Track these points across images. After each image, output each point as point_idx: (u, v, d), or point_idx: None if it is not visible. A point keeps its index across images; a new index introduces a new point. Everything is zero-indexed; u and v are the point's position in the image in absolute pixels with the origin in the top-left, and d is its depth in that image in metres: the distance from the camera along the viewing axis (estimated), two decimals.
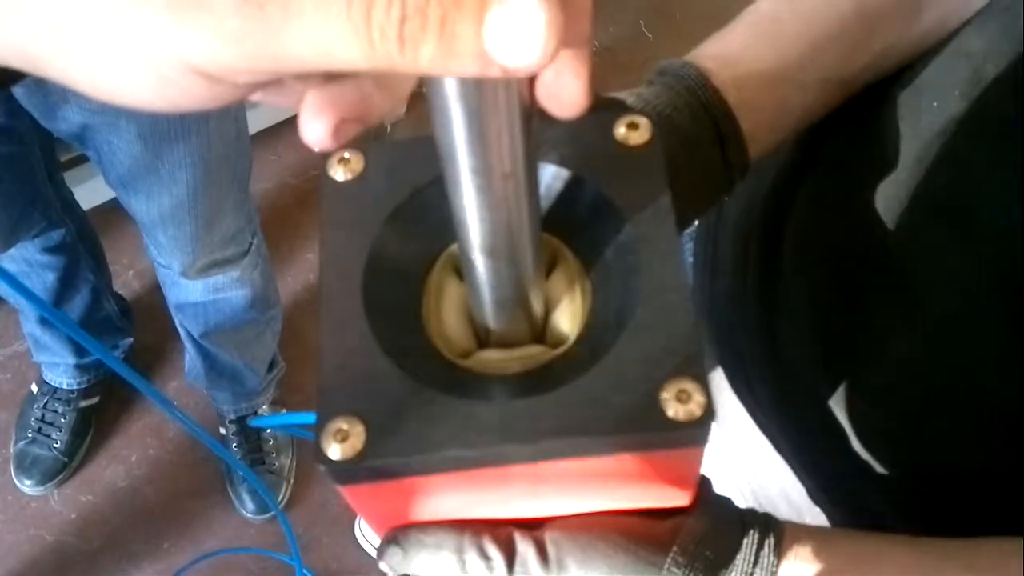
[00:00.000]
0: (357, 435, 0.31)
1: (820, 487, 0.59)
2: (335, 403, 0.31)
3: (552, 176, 0.36)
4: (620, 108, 0.44)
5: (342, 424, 0.31)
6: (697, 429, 0.30)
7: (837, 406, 0.52)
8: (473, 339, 0.36)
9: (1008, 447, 0.44)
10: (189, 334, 1.40)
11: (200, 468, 1.58)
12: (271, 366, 1.52)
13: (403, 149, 0.37)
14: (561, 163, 0.35)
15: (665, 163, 0.35)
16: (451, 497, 0.34)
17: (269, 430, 1.57)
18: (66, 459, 1.55)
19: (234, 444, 1.56)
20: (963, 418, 0.46)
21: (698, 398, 0.30)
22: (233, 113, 1.10)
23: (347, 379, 0.32)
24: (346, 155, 0.36)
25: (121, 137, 1.03)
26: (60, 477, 1.55)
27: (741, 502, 0.66)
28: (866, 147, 0.51)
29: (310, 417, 0.32)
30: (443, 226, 0.35)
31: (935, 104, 0.47)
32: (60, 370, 1.54)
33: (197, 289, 1.27)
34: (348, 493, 0.33)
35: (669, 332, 0.31)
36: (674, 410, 0.30)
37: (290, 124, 1.82)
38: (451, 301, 0.36)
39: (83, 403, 1.57)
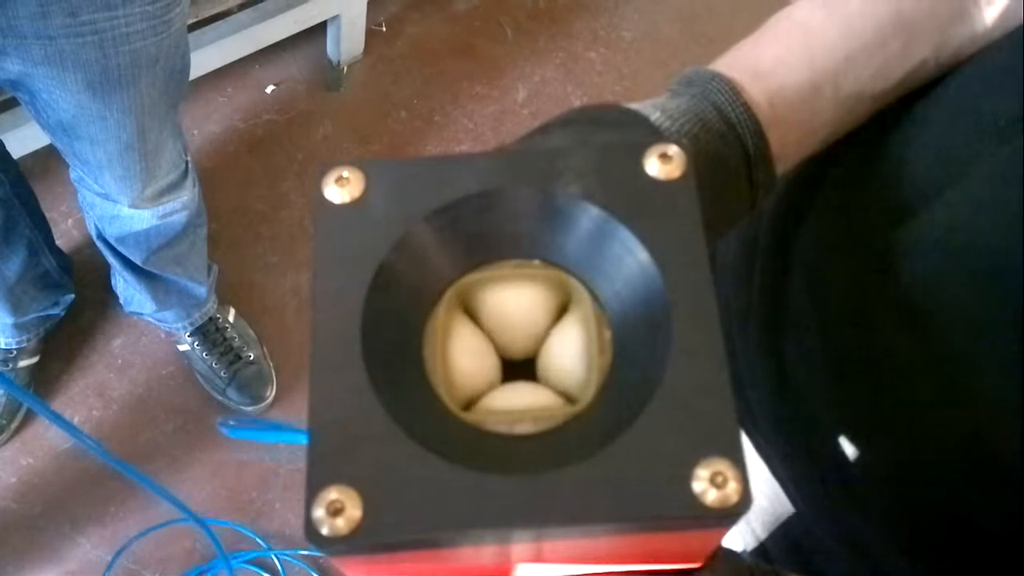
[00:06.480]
0: (353, 507, 0.27)
1: (820, 522, 0.57)
2: (329, 470, 0.28)
3: (577, 210, 0.32)
4: (649, 132, 0.40)
5: (335, 494, 0.28)
6: (732, 515, 0.27)
7: (844, 438, 0.49)
8: (483, 384, 0.33)
9: (1018, 499, 0.41)
10: (129, 264, 1.34)
11: (145, 431, 1.52)
12: (208, 270, 1.50)
13: (408, 169, 0.33)
14: (585, 196, 0.32)
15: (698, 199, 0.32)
16: (450, 565, 0.32)
17: (229, 329, 1.56)
18: (4, 421, 1.48)
19: (203, 353, 1.53)
20: (979, 468, 0.43)
21: (734, 482, 0.27)
22: (182, 46, 1.04)
23: (342, 442, 0.29)
24: (344, 174, 0.32)
25: (66, 88, 0.96)
26: None
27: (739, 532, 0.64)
28: (886, 169, 0.48)
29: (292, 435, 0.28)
30: (450, 258, 0.33)
31: (967, 128, 0.44)
32: None
33: (144, 218, 1.23)
34: (340, 564, 0.30)
35: (701, 404, 0.29)
36: (708, 495, 0.27)
37: (241, 64, 1.73)
38: (460, 343, 0.33)
39: (22, 363, 1.49)
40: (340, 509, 0.27)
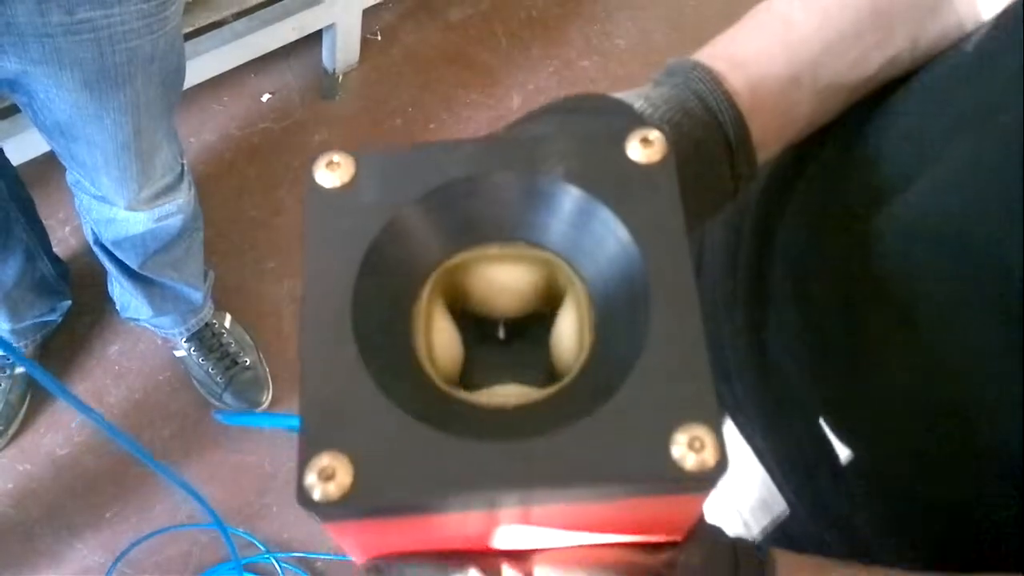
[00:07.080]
0: (344, 473, 0.28)
1: (811, 513, 0.57)
2: (321, 437, 0.29)
3: (560, 192, 0.34)
4: (631, 118, 0.42)
5: (327, 460, 0.29)
6: (709, 479, 0.28)
7: (827, 422, 0.50)
8: (451, 364, 0.34)
9: (1005, 482, 0.42)
10: (125, 269, 1.35)
11: (142, 436, 1.53)
12: (204, 276, 1.51)
13: (397, 156, 0.34)
14: (568, 178, 0.33)
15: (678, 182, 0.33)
16: (437, 530, 0.33)
17: (226, 334, 1.57)
18: (1, 427, 1.48)
19: (200, 358, 1.54)
20: (960, 450, 0.44)
21: (711, 447, 0.28)
22: (177, 45, 1.05)
23: (333, 411, 0.30)
24: (335, 159, 0.34)
25: (62, 87, 0.97)
26: None
27: (726, 518, 0.64)
28: (863, 157, 0.49)
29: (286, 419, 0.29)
30: (438, 240, 0.34)
31: (939, 118, 0.45)
32: None
33: (140, 220, 1.23)
34: (332, 530, 0.31)
35: (680, 373, 0.30)
36: (686, 459, 0.28)
37: (237, 73, 1.74)
38: (441, 328, 0.34)
39: (20, 369, 1.50)
40: (331, 475, 0.28)
